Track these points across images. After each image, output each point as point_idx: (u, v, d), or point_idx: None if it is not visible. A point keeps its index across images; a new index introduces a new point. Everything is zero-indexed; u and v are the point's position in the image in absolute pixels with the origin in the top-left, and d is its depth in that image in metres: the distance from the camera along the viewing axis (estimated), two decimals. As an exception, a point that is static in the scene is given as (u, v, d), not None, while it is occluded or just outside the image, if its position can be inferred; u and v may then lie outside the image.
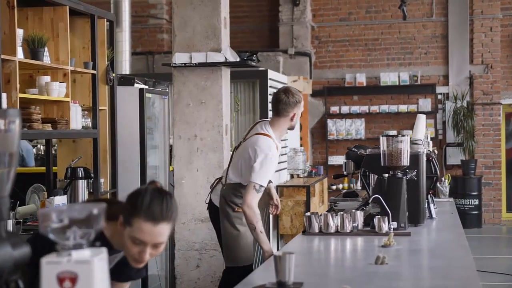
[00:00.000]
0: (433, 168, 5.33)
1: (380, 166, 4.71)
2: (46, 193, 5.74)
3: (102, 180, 6.13)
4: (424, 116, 5.86)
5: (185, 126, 6.61)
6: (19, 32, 4.91)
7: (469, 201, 13.04)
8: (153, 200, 2.61)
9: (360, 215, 4.62)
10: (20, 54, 4.87)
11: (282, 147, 10.44)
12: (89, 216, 1.88)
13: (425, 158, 4.98)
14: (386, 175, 4.67)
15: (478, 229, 13.02)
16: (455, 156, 13.40)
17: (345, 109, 13.71)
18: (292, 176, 10.68)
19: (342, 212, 4.60)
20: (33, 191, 6.18)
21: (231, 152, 5.47)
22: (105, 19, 6.16)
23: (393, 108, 13.49)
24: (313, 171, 11.07)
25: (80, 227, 1.88)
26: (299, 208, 9.30)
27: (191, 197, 6.64)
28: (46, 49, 5.15)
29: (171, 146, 7.20)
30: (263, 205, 5.55)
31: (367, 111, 13.63)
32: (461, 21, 13.49)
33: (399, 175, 4.68)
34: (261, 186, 4.78)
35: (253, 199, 4.75)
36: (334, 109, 13.76)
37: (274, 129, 4.98)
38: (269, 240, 6.58)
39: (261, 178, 4.78)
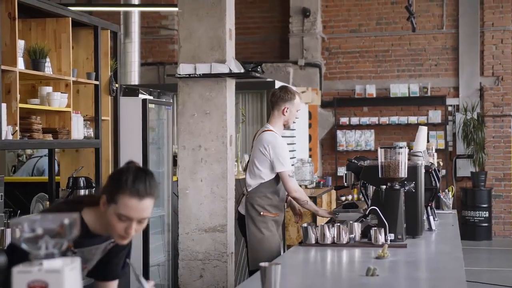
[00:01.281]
0: (433, 180, 5.32)
1: (378, 177, 4.72)
2: (48, 202, 5.78)
3: (104, 190, 6.15)
4: (425, 128, 5.86)
5: (189, 137, 6.62)
6: (20, 43, 4.96)
7: (479, 213, 12.99)
8: (137, 177, 2.70)
9: (357, 227, 4.62)
10: (21, 65, 4.92)
11: (291, 158, 10.49)
12: (61, 226, 1.90)
13: (423, 170, 4.97)
14: (384, 186, 4.67)
15: (488, 242, 12.96)
16: (465, 168, 13.36)
17: (354, 120, 13.71)
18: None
19: (338, 224, 4.60)
20: (37, 200, 6.22)
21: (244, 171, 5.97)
22: (109, 30, 6.20)
23: (403, 119, 13.47)
24: (321, 182, 11.05)
25: (53, 237, 1.90)
26: (306, 219, 9.30)
27: (195, 207, 6.65)
28: (48, 60, 5.20)
29: (174, 157, 7.23)
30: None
31: (377, 122, 13.62)
32: (471, 33, 13.47)
33: (397, 187, 4.68)
34: (292, 171, 5.37)
35: (293, 183, 5.37)
36: (344, 120, 13.76)
37: (272, 124, 5.55)
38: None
39: (286, 163, 5.35)
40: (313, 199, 9.46)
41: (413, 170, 4.82)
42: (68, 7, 5.65)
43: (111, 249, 2.98)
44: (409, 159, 5.38)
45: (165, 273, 7.22)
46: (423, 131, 5.79)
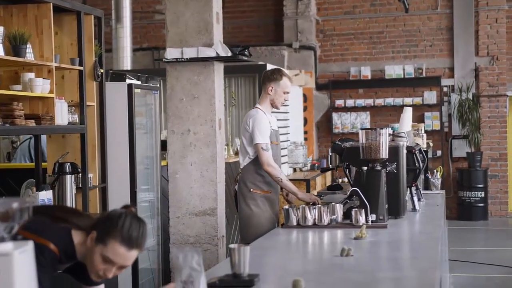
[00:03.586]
0: (416, 161, 5.32)
1: (360, 159, 4.73)
2: (35, 188, 5.80)
3: (91, 175, 6.18)
4: (410, 109, 5.87)
5: (178, 121, 6.62)
6: (0, 30, 4.96)
7: (475, 194, 13.00)
8: (132, 226, 2.76)
9: (339, 208, 4.63)
10: (0, 51, 4.91)
11: (285, 141, 10.51)
12: (9, 210, 1.91)
13: (405, 151, 4.97)
14: (365, 168, 4.69)
15: (484, 222, 12.98)
16: (460, 149, 13.36)
17: (350, 102, 13.70)
18: (294, 170, 10.70)
19: (319, 205, 4.61)
20: (27, 186, 6.24)
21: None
22: (93, 16, 6.19)
23: (398, 101, 13.46)
24: (316, 164, 11.07)
25: (2, 221, 1.91)
26: (299, 201, 9.31)
27: (185, 191, 6.66)
28: (29, 46, 5.19)
29: (162, 141, 7.24)
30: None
31: (372, 104, 13.61)
32: (466, 13, 13.43)
33: (378, 167, 4.69)
34: (266, 144, 5.44)
35: (265, 157, 5.42)
36: (339, 102, 13.75)
37: (260, 104, 5.71)
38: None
39: (261, 136, 5.45)
40: (307, 181, 9.48)
41: (394, 151, 4.83)
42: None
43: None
44: (393, 140, 5.40)
45: (156, 257, 7.25)
46: (407, 112, 5.80)
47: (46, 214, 2.92)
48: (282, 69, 6.02)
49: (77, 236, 2.84)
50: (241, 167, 5.71)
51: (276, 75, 5.68)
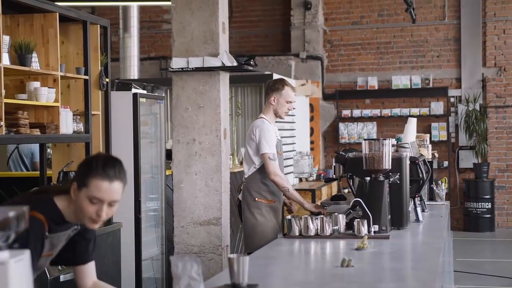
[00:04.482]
0: (420, 171, 5.32)
1: (363, 169, 4.73)
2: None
3: (96, 184, 6.19)
4: (414, 119, 5.86)
5: (183, 130, 6.64)
6: (5, 39, 4.99)
7: (481, 205, 12.96)
8: (107, 163, 2.88)
9: (342, 218, 4.63)
10: (6, 60, 4.94)
11: (290, 151, 10.52)
12: (6, 219, 1.92)
13: (408, 162, 4.97)
14: (368, 178, 4.69)
15: (491, 233, 12.93)
16: (467, 159, 13.33)
17: (357, 112, 13.70)
18: (300, 180, 10.70)
19: (322, 216, 4.62)
20: (32, 195, 6.25)
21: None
22: (99, 25, 6.23)
23: (405, 111, 13.44)
24: (322, 174, 11.06)
25: (-1, 229, 1.93)
26: (304, 211, 9.31)
27: (190, 200, 6.67)
28: (35, 55, 5.23)
29: (167, 150, 7.25)
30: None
31: (379, 114, 13.60)
32: (473, 24, 13.42)
33: (381, 178, 4.69)
34: (273, 154, 5.48)
35: (273, 167, 5.45)
36: (346, 112, 13.75)
37: (264, 113, 5.74)
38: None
39: (268, 146, 5.49)
40: (312, 191, 9.48)
41: (397, 161, 4.83)
42: (56, 3, 5.66)
43: (75, 236, 3.07)
44: (396, 151, 5.40)
45: (160, 267, 7.26)
46: (412, 123, 5.80)
47: (27, 194, 3.09)
48: (285, 78, 6.05)
49: (60, 201, 2.93)
50: (246, 176, 5.74)
51: (278, 85, 5.73)
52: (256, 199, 5.60)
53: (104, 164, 2.85)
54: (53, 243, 2.95)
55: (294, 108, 6.24)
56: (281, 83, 5.75)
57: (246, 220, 5.66)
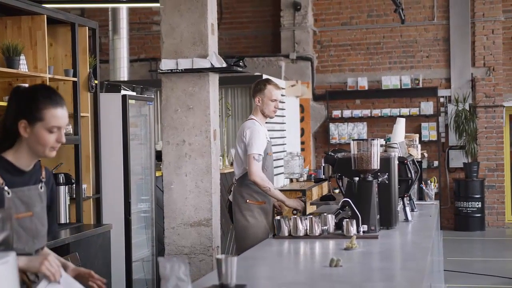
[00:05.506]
0: (409, 171, 5.33)
1: (351, 169, 4.75)
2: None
3: (85, 186, 6.20)
4: (403, 120, 5.88)
5: (173, 132, 6.64)
6: (-7, 41, 5.00)
7: (471, 204, 13.01)
8: (49, 91, 2.97)
9: (331, 219, 4.64)
10: (-7, 63, 4.95)
11: (281, 151, 10.54)
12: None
13: (397, 162, 4.99)
14: (357, 178, 4.70)
15: (481, 232, 12.98)
16: (457, 159, 13.38)
17: (347, 113, 13.72)
18: (291, 181, 10.72)
19: (311, 216, 4.63)
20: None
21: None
22: (87, 27, 6.22)
23: (395, 111, 13.48)
24: (312, 175, 11.08)
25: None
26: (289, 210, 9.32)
27: (180, 202, 6.67)
28: (23, 57, 5.22)
29: (157, 152, 7.26)
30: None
31: (369, 114, 13.64)
32: (462, 24, 13.47)
33: (370, 178, 4.71)
34: (259, 155, 5.50)
35: (256, 168, 5.47)
36: (336, 113, 13.78)
37: (254, 114, 5.78)
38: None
39: (256, 147, 5.50)
40: (302, 192, 9.48)
41: (386, 161, 4.85)
42: (44, 5, 5.66)
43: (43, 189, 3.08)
44: (385, 151, 5.42)
45: (150, 268, 7.26)
46: (400, 123, 5.81)
47: None
48: (269, 78, 6.07)
49: (7, 154, 2.94)
50: (236, 178, 5.75)
51: (260, 85, 5.78)
52: (248, 201, 5.62)
53: (48, 94, 2.94)
54: (24, 200, 2.95)
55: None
56: (263, 83, 5.79)
57: (238, 222, 5.68)
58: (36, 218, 3.01)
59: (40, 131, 2.89)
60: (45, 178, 3.09)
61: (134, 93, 7.12)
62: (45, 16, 5.49)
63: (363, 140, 4.75)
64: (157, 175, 7.25)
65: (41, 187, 3.05)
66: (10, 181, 2.91)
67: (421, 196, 7.06)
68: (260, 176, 5.50)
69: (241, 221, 5.64)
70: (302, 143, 13.07)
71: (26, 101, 2.92)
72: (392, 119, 13.38)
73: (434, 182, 6.97)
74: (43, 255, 2.86)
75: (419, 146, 7.28)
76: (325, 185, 11.43)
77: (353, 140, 4.76)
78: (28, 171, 2.99)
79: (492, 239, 12.52)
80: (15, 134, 2.93)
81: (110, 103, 6.61)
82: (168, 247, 6.72)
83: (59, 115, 2.93)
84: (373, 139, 4.73)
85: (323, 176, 5.58)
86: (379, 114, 13.60)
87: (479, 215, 13.06)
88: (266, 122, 5.90)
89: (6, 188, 2.88)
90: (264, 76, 10.03)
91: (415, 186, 6.43)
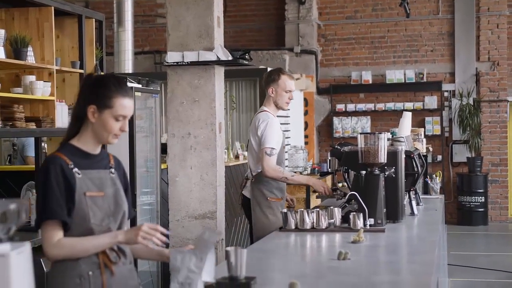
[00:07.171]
0: (415, 165, 5.33)
1: (358, 163, 4.75)
2: (34, 190, 5.81)
3: (91, 178, 6.19)
4: (409, 114, 5.88)
5: (178, 124, 6.64)
6: (1, 33, 4.99)
7: (475, 199, 13.01)
8: (119, 81, 3.09)
9: (337, 212, 4.64)
10: (1, 54, 4.94)
11: (286, 144, 10.52)
12: (6, 212, 1.93)
13: (403, 156, 4.99)
14: (364, 172, 4.70)
15: (484, 227, 12.99)
16: (461, 154, 13.38)
17: (351, 107, 13.72)
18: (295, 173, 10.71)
19: (318, 209, 4.63)
20: (27, 188, 6.25)
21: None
22: (94, 19, 6.22)
23: (399, 105, 13.48)
24: (316, 168, 11.07)
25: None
26: (299, 205, 9.34)
27: (185, 194, 6.68)
28: (30, 48, 5.22)
29: (162, 144, 7.26)
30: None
31: (373, 108, 13.63)
32: (467, 18, 13.45)
33: (377, 172, 4.71)
34: (272, 149, 5.35)
35: (269, 163, 5.33)
36: (340, 107, 13.77)
37: (266, 106, 5.61)
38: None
39: (269, 141, 5.36)
40: (306, 185, 9.48)
41: (393, 155, 4.85)
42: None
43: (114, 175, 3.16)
44: (391, 145, 5.42)
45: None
46: (406, 117, 5.81)
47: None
48: (282, 68, 5.97)
49: (74, 141, 3.07)
50: (254, 173, 5.59)
51: (274, 75, 5.62)
52: (268, 198, 5.49)
53: (120, 84, 3.05)
54: (95, 182, 3.05)
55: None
56: (277, 73, 5.63)
57: (258, 219, 5.52)
58: (109, 199, 3.09)
59: (107, 118, 3.00)
60: (114, 165, 3.19)
61: (139, 86, 7.11)
62: (52, 7, 5.49)
63: (370, 133, 4.75)
64: (162, 167, 7.25)
65: (111, 172, 3.14)
66: (78, 163, 3.01)
67: (426, 190, 7.06)
68: (274, 169, 5.35)
69: (262, 219, 5.49)
70: (306, 136, 13.07)
71: (99, 88, 3.04)
72: (396, 113, 13.42)
73: (439, 177, 6.98)
74: (136, 228, 3.06)
75: (424, 140, 7.28)
76: (328, 178, 11.43)
77: (360, 133, 4.76)
78: (95, 155, 3.10)
79: (495, 233, 12.53)
80: (82, 119, 3.05)
81: (116, 95, 6.59)
82: (172, 239, 6.72)
83: (127, 105, 3.04)
84: (380, 133, 4.73)
85: (328, 170, 5.55)
86: (383, 108, 13.60)
87: (482, 209, 13.06)
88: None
89: (76, 169, 2.98)
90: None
91: (421, 180, 6.43)
